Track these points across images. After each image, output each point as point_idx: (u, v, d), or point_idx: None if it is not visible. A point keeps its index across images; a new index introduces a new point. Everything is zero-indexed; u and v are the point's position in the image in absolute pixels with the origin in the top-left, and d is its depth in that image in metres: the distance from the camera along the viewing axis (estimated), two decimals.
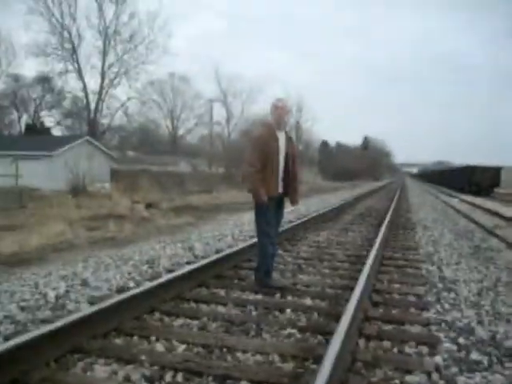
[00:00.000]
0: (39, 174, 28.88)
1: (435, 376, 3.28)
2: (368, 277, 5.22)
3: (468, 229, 12.77)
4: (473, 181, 39.20)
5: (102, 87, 45.12)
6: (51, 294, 5.02)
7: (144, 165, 36.87)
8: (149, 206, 18.85)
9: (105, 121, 46.00)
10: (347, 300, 4.44)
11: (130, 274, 6.09)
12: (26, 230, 12.02)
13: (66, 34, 44.84)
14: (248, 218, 13.59)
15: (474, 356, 3.64)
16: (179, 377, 3.14)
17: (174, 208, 18.91)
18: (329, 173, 65.01)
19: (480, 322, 4.49)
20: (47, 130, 47.09)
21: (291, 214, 11.97)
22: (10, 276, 6.22)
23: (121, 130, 47.48)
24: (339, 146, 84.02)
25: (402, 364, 3.45)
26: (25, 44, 59.49)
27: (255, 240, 7.50)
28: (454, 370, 3.40)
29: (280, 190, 5.53)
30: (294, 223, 10.36)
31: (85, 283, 5.55)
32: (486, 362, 3.55)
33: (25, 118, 49.71)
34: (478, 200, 28.57)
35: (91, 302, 4.65)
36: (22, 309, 4.50)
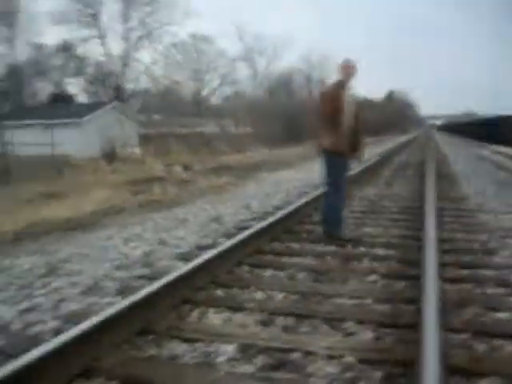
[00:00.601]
0: (70, 141, 29.10)
1: None
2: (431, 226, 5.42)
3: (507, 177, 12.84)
4: (506, 131, 38.49)
5: (125, 52, 45.21)
6: (136, 253, 5.33)
7: (171, 127, 37.02)
8: (185, 167, 19.11)
9: (130, 85, 46.35)
10: (419, 248, 4.69)
11: (200, 232, 6.38)
12: (71, 197, 12.36)
13: None
14: (289, 175, 13.84)
15: None
16: (290, 320, 3.42)
17: (210, 169, 19.06)
18: None
19: None
20: (72, 98, 47.31)
21: None
22: (77, 241, 6.50)
23: (145, 94, 47.71)
24: (367, 101, 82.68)
25: (488, 303, 3.67)
26: (46, 12, 59.06)
27: (310, 196, 7.82)
28: None
29: (346, 146, 5.76)
30: None
31: (163, 242, 5.84)
32: None
33: (49, 87, 49.93)
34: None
35: (180, 259, 4.97)
36: (117, 267, 4.81)
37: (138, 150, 30.27)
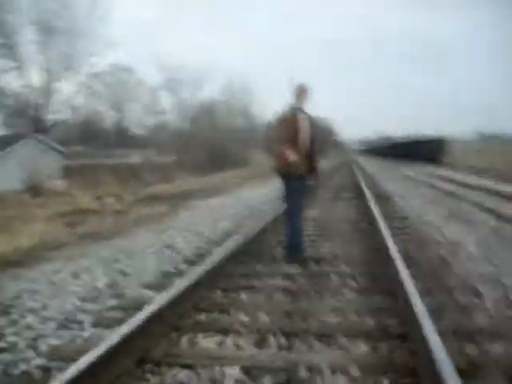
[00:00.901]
0: None
1: None
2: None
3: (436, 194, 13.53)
4: (422, 152, 41.07)
5: (46, 82, 43.96)
6: (98, 285, 5.19)
7: (95, 158, 36.33)
8: (117, 198, 18.78)
9: (51, 116, 45.05)
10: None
11: (157, 260, 6.30)
12: (1, 232, 11.83)
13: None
14: (220, 202, 13.89)
15: None
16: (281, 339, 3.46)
17: (141, 199, 18.81)
18: None
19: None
20: None
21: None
22: (22, 277, 6.07)
23: (67, 125, 46.49)
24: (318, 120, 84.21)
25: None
26: None
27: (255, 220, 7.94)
28: None
29: (302, 167, 5.91)
30: None
31: (122, 273, 5.72)
32: None
33: None
34: (430, 169, 29.74)
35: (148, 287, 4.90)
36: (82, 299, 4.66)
37: (61, 183, 29.44)
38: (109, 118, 54.26)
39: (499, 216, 9.02)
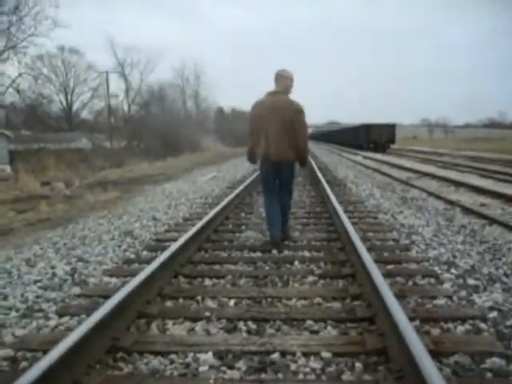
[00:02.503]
0: None
1: None
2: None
3: (386, 181, 13.85)
4: (370, 138, 41.32)
5: None
6: (58, 272, 5.05)
7: (42, 143, 35.33)
8: (67, 184, 18.37)
9: None
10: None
11: (116, 246, 6.19)
12: None
13: None
14: (175, 188, 13.75)
15: None
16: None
17: (92, 184, 18.47)
18: (227, 139, 65.29)
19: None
20: None
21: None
22: None
23: (12, 108, 44.92)
24: (235, 112, 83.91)
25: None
26: None
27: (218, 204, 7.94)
28: None
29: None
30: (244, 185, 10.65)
31: (80, 260, 5.59)
32: None
33: None
34: (379, 156, 30.34)
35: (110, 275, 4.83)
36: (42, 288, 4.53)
37: (8, 168, 28.53)
38: (57, 101, 52.73)
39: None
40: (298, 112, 5.78)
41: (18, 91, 44.10)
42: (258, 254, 5.56)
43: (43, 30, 41.73)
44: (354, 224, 6.35)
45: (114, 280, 4.63)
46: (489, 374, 2.70)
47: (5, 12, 40.75)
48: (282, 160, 5.82)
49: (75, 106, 54.49)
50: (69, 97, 53.02)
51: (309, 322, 3.45)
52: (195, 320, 3.55)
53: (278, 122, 5.67)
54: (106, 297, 3.64)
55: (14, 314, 3.77)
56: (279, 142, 5.72)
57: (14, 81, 43.64)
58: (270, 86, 5.91)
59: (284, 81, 5.87)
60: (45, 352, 2.70)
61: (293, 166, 6.02)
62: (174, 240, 5.48)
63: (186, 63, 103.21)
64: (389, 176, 15.70)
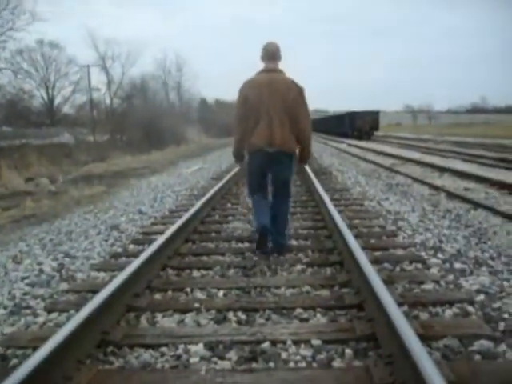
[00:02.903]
0: None
1: None
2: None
3: (371, 168, 13.92)
4: (355, 126, 41.45)
5: None
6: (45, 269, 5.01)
7: (24, 139, 34.88)
8: (51, 179, 18.22)
9: None
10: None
11: (102, 241, 6.15)
12: None
13: None
14: (160, 181, 13.69)
15: None
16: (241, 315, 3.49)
17: (76, 179, 18.35)
18: (211, 130, 64.98)
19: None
20: None
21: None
22: None
23: None
24: (218, 102, 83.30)
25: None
26: None
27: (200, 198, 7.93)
28: None
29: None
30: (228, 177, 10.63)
31: (67, 255, 5.55)
32: None
33: None
34: (363, 143, 30.44)
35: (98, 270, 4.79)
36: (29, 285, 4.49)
37: None
38: (38, 96, 52.03)
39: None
40: (301, 93, 4.86)
41: None
42: (246, 244, 5.55)
43: (22, 24, 41.07)
44: (340, 212, 6.39)
45: (101, 275, 4.61)
46: (477, 356, 2.73)
47: None
48: (286, 150, 4.83)
49: (56, 101, 53.75)
50: (50, 91, 52.24)
51: (298, 311, 3.46)
52: (185, 312, 3.54)
53: (278, 105, 4.72)
54: (95, 292, 3.61)
55: (1, 311, 3.74)
56: (282, 128, 4.75)
57: None
58: (254, 68, 5.03)
59: (278, 55, 4.98)
60: (34, 349, 2.70)
61: (292, 160, 4.97)
62: (161, 233, 5.47)
63: (167, 55, 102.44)
64: (373, 163, 15.81)
